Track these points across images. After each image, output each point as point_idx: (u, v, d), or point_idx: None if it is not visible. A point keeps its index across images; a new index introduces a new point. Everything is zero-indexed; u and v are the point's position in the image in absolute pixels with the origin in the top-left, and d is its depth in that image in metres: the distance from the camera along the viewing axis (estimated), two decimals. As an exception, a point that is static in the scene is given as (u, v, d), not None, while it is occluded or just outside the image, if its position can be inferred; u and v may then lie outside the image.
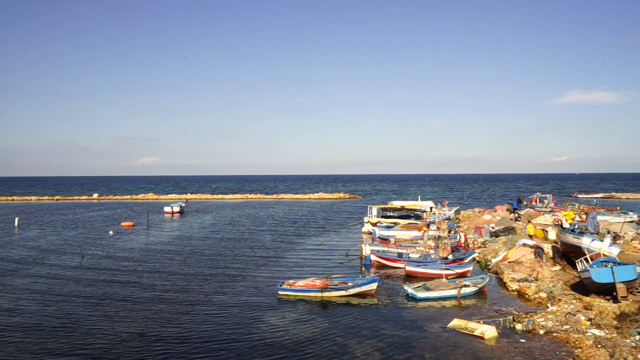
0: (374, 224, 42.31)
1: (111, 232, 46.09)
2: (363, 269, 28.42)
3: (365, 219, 45.61)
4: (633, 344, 13.93)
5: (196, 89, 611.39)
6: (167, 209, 68.33)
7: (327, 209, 75.96)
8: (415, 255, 28.92)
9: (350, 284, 21.91)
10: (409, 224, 41.31)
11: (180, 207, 69.68)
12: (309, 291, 21.60)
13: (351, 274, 25.58)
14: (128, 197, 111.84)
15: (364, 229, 43.86)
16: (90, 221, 58.07)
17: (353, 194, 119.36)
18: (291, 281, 22.72)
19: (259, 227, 50.56)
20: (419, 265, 26.28)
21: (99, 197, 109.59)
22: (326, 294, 21.44)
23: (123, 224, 53.41)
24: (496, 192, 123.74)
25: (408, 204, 53.88)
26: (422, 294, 21.08)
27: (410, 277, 25.08)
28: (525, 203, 59.65)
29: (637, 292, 18.93)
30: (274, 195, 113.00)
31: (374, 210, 47.01)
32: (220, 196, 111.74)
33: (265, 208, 77.73)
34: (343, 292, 21.50)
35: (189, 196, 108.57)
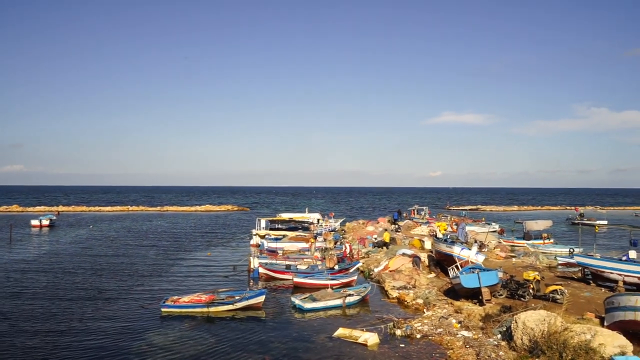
0: (262, 237, 42.21)
1: (-36, 249, 40.64)
2: (251, 282, 28.19)
3: (254, 231, 45.31)
4: (495, 343, 15.41)
5: (69, 91, 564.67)
6: (34, 222, 61.90)
7: (214, 221, 74.28)
8: (303, 267, 29.33)
9: (237, 298, 21.59)
10: (297, 236, 41.90)
11: (51, 220, 63.58)
12: (194, 307, 20.88)
13: (239, 287, 25.23)
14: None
15: (252, 242, 43.50)
16: (-62, 237, 50.66)
17: (241, 206, 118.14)
18: (175, 297, 21.79)
19: (140, 241, 47.85)
20: (306, 277, 26.68)
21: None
22: (212, 308, 20.88)
23: (-21, 239, 47.41)
24: (378, 205, 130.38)
25: (296, 216, 54.54)
26: (308, 305, 21.42)
27: (298, 289, 25.34)
28: (404, 215, 63.50)
29: (499, 295, 21.06)
30: (158, 207, 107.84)
31: (263, 222, 46.89)
32: (97, 208, 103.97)
33: (148, 221, 73.87)
34: (230, 306, 21.10)
35: (61, 208, 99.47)
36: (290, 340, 17.35)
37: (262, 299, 21.75)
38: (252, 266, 30.04)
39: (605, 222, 57.26)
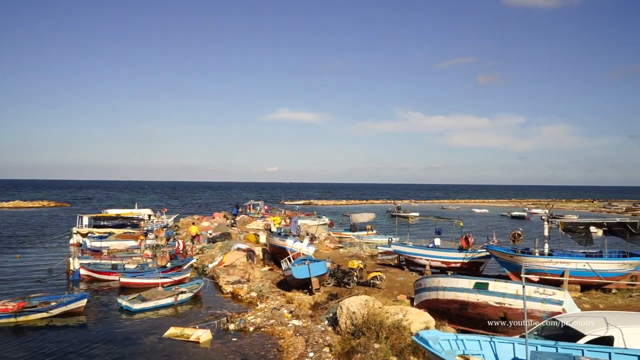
0: (85, 235, 38.56)
1: None
2: (71, 285, 25.66)
3: (74, 229, 41.07)
4: (323, 329, 16.43)
5: None
6: None
7: (26, 219, 65.47)
8: (131, 266, 27.64)
9: (53, 304, 19.46)
10: (125, 233, 39.17)
11: None
12: (-2, 317, 18.29)
13: (55, 292, 22.72)
14: None
15: (72, 241, 39.41)
16: None
17: (60, 202, 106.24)
18: (-27, 308, 18.79)
19: None
20: (134, 276, 25.23)
21: None
22: (22, 318, 18.50)
23: None
24: (216, 200, 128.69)
25: (124, 212, 50.92)
26: (137, 306, 20.30)
27: (125, 289, 23.81)
28: (240, 210, 63.68)
29: (327, 283, 22.49)
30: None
31: (85, 219, 42.73)
32: None
33: (-63, 220, 62.05)
34: (44, 314, 18.92)
35: None
36: (116, 345, 16.25)
37: (83, 303, 19.95)
38: (71, 268, 27.45)
39: (417, 214, 64.70)
